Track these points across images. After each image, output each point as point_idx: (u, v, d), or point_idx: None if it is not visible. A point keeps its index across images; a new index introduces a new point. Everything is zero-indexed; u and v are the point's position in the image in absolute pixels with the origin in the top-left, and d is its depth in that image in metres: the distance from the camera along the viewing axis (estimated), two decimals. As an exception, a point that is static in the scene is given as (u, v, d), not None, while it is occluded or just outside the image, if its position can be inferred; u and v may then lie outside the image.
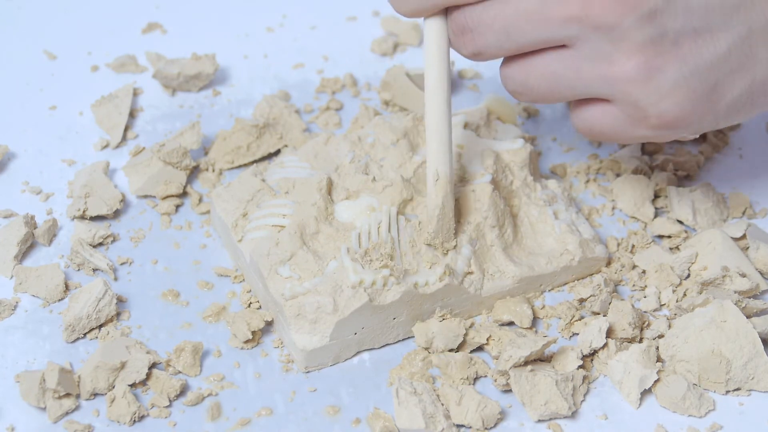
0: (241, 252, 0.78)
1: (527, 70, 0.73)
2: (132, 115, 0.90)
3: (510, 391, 0.74)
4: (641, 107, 0.72)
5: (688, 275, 0.80)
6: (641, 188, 0.85)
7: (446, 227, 0.76)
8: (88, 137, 0.89)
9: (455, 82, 0.94)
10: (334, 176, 0.80)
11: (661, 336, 0.77)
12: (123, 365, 0.73)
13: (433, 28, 0.74)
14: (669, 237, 0.83)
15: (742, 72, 0.72)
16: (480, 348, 0.77)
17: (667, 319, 0.78)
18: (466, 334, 0.77)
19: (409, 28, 0.97)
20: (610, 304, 0.77)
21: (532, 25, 0.71)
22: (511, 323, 0.78)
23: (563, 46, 0.72)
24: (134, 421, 0.73)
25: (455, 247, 0.76)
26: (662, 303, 0.79)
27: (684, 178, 0.87)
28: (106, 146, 0.88)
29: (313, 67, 0.95)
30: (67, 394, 0.73)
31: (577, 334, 0.77)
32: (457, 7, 0.73)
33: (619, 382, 0.75)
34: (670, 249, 0.82)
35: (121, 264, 0.81)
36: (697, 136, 0.75)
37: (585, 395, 0.75)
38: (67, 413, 0.73)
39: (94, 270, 0.80)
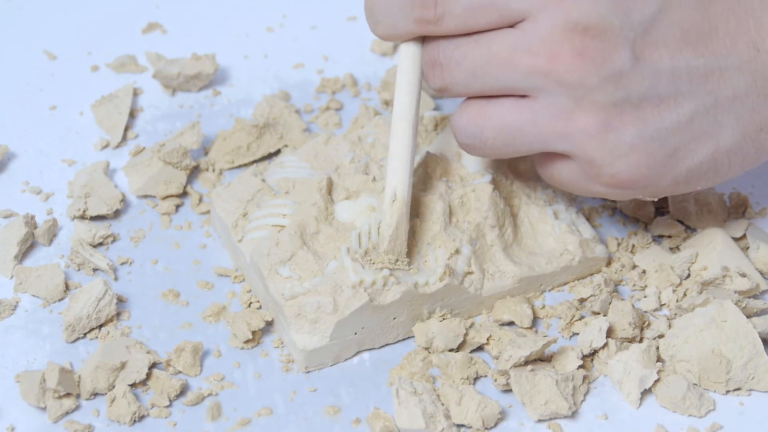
0: (241, 252, 0.78)
1: (483, 121, 0.73)
2: (132, 115, 0.90)
3: (510, 391, 0.74)
4: (596, 165, 0.72)
5: (688, 275, 0.80)
6: (641, 188, 0.85)
7: (399, 248, 0.75)
8: (88, 137, 0.89)
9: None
10: (334, 176, 0.80)
11: (661, 336, 0.77)
12: (123, 365, 0.73)
13: (408, 53, 0.74)
14: (669, 237, 0.83)
15: (705, 139, 0.72)
16: (480, 348, 0.77)
17: (667, 319, 0.78)
18: (466, 334, 0.77)
19: (409, 28, 0.97)
20: (610, 303, 0.77)
21: (499, 71, 0.71)
22: (511, 323, 0.78)
23: (525, 96, 0.72)
24: (134, 421, 0.73)
25: (408, 264, 0.76)
26: (662, 303, 0.79)
27: (684, 178, 0.87)
28: (106, 146, 0.88)
29: (313, 67, 0.95)
30: (67, 394, 0.73)
31: (577, 334, 0.77)
32: (433, 38, 0.73)
33: (619, 382, 0.75)
34: (670, 249, 0.82)
35: (121, 264, 0.81)
36: (656, 199, 0.75)
37: (585, 395, 0.75)
38: (67, 413, 0.73)
39: (94, 270, 0.80)
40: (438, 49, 0.73)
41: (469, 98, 0.74)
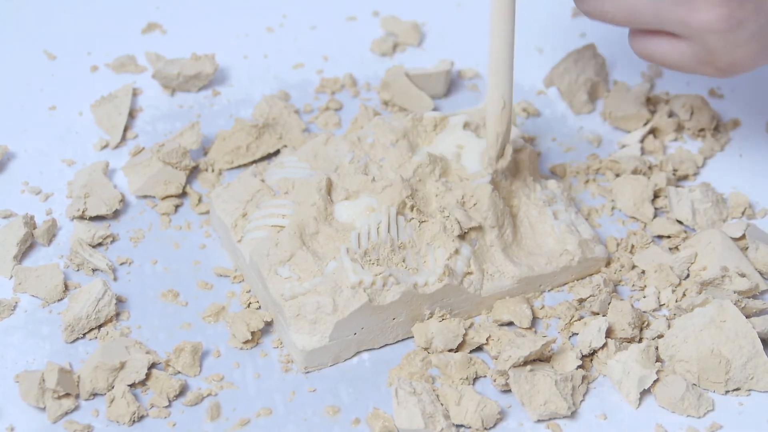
0: (240, 252, 0.78)
1: None
2: (131, 115, 0.90)
3: (509, 391, 0.74)
4: (715, 54, 0.74)
5: (688, 275, 0.80)
6: (641, 188, 0.85)
7: (508, 149, 0.80)
8: (88, 137, 0.89)
9: (455, 82, 0.94)
10: (333, 176, 0.80)
11: (660, 336, 0.77)
12: (122, 365, 0.73)
13: None
14: (668, 237, 0.83)
15: None
16: (479, 348, 0.77)
17: (667, 319, 0.78)
18: (465, 334, 0.77)
19: (409, 28, 0.97)
20: (609, 304, 0.77)
21: None
22: (510, 323, 0.78)
23: None
24: (134, 421, 0.73)
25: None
26: (662, 303, 0.79)
27: (683, 178, 0.87)
28: (105, 146, 0.88)
29: (313, 67, 0.95)
30: (67, 394, 0.73)
31: (577, 334, 0.77)
32: None
33: (619, 382, 0.75)
34: (670, 249, 0.82)
35: (121, 264, 0.81)
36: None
37: (584, 395, 0.75)
38: (66, 413, 0.73)
39: (94, 270, 0.80)
40: None
41: None
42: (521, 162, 0.82)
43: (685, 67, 0.76)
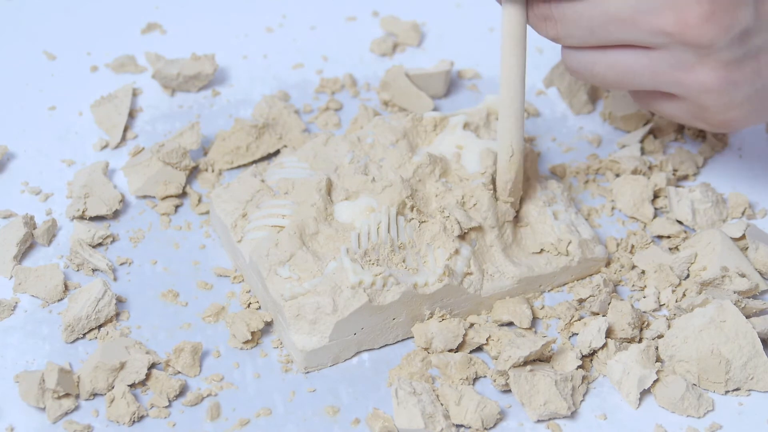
0: (240, 252, 0.78)
1: (597, 58, 0.74)
2: (131, 115, 0.90)
3: (509, 391, 0.74)
4: (710, 112, 0.74)
5: (688, 275, 0.80)
6: (640, 188, 0.85)
7: (516, 194, 0.79)
8: (88, 137, 0.89)
9: (454, 82, 0.94)
10: (333, 177, 0.80)
11: (660, 336, 0.77)
12: (122, 365, 0.73)
13: (511, 11, 0.74)
14: (668, 237, 0.83)
15: None
16: (479, 348, 0.77)
17: (667, 319, 0.78)
18: (465, 335, 0.77)
19: (409, 28, 0.97)
20: (609, 304, 0.77)
21: (619, 29, 0.71)
22: (510, 324, 0.78)
23: (644, 46, 0.72)
24: (133, 421, 0.73)
25: (516, 209, 0.80)
26: (661, 303, 0.79)
27: (683, 178, 0.87)
28: (105, 146, 0.88)
29: (313, 68, 0.95)
30: (67, 395, 0.73)
31: (577, 334, 0.77)
32: None
33: (619, 382, 0.75)
34: (670, 249, 0.82)
35: (121, 264, 0.81)
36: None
37: (584, 395, 0.75)
38: (66, 413, 0.73)
39: (94, 270, 0.80)
40: (549, 6, 0.73)
41: None
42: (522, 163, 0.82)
43: (679, 119, 0.77)
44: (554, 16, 0.73)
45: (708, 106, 0.74)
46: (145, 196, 0.85)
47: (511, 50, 0.74)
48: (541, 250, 0.80)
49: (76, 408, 0.73)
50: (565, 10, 0.72)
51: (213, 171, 0.87)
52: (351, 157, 0.81)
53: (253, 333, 0.77)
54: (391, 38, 0.96)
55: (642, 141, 0.89)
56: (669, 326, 0.77)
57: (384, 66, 0.95)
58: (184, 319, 0.78)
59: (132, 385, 0.74)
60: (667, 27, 0.70)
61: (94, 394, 0.74)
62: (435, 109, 0.91)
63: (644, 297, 0.80)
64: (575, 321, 0.78)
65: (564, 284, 0.81)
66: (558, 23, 0.73)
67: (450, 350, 0.76)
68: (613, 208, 0.85)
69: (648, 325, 0.78)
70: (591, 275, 0.81)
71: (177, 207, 0.85)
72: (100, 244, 0.82)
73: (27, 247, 0.81)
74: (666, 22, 0.70)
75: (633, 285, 0.81)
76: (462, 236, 0.78)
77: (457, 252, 0.77)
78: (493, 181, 0.80)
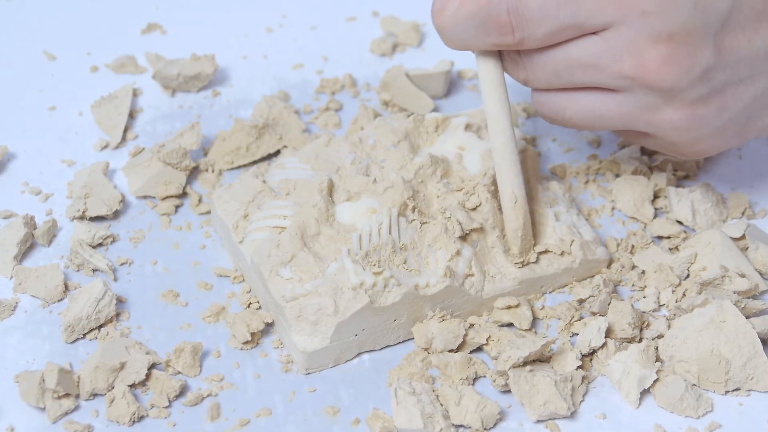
0: (241, 253, 0.78)
1: (566, 102, 0.75)
2: (131, 115, 0.90)
3: (509, 391, 0.74)
4: (678, 146, 0.76)
5: (688, 275, 0.80)
6: (641, 189, 0.85)
7: (528, 243, 0.78)
8: (88, 138, 0.89)
9: (455, 83, 0.94)
10: (335, 178, 0.80)
11: (660, 336, 0.77)
12: (122, 366, 0.73)
13: (487, 62, 0.75)
14: (668, 237, 0.83)
15: None
16: (479, 348, 0.77)
17: (667, 319, 0.78)
18: (465, 335, 0.77)
19: (409, 28, 0.97)
20: (609, 304, 0.77)
21: (583, 73, 0.73)
22: (510, 324, 0.78)
23: (610, 89, 0.73)
24: (134, 421, 0.73)
25: (536, 257, 0.79)
26: (661, 303, 0.79)
27: (683, 178, 0.87)
28: (105, 147, 0.88)
29: (313, 68, 0.95)
30: (67, 395, 0.73)
31: (577, 334, 0.77)
32: None
33: (618, 382, 0.75)
34: (670, 249, 0.83)
35: (121, 264, 0.81)
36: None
37: (584, 395, 0.75)
38: (66, 413, 0.73)
39: (94, 270, 0.80)
40: (519, 53, 0.74)
41: None
42: (522, 163, 0.82)
43: (654, 149, 0.80)
44: (523, 61, 0.74)
45: (676, 143, 0.75)
46: (145, 197, 0.85)
47: (494, 101, 0.75)
48: (543, 251, 0.80)
49: (76, 408, 0.73)
50: (534, 54, 0.73)
51: (213, 171, 0.87)
52: (352, 158, 0.81)
53: (253, 333, 0.77)
54: (391, 38, 0.96)
55: (642, 141, 0.89)
56: (669, 326, 0.77)
57: (384, 66, 0.95)
58: (185, 319, 0.78)
59: (132, 386, 0.74)
60: (628, 72, 0.71)
61: (94, 394, 0.74)
62: (435, 110, 0.91)
63: (644, 297, 0.80)
64: (575, 321, 0.78)
65: (565, 285, 0.81)
66: (527, 68, 0.74)
67: (450, 350, 0.76)
68: (613, 209, 0.85)
69: (648, 325, 0.78)
70: (592, 276, 0.81)
71: (177, 207, 0.85)
72: (100, 245, 0.82)
73: (27, 248, 0.81)
74: (626, 67, 0.71)
75: (633, 285, 0.81)
76: (463, 237, 0.78)
77: (458, 253, 0.77)
78: (494, 183, 0.80)
